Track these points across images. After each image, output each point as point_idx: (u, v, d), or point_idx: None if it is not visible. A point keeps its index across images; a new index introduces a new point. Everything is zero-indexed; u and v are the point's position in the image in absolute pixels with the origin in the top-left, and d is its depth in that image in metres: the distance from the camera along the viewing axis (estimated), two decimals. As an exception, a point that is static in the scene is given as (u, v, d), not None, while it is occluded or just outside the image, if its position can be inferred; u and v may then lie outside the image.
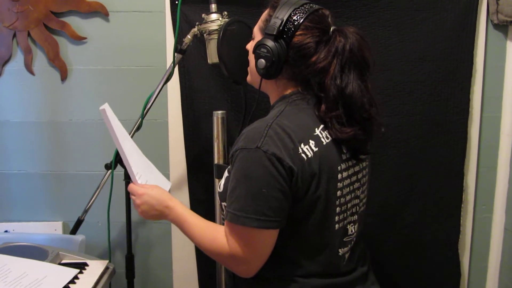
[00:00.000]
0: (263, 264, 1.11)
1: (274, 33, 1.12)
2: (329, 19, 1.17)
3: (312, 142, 1.09)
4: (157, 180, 1.39)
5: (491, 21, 1.92)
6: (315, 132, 1.11)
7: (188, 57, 1.89)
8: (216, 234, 1.14)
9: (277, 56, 1.12)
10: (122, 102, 1.99)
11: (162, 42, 1.97)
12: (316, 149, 1.09)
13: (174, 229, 2.10)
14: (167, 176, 2.05)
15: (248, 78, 1.29)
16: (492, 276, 2.08)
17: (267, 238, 1.09)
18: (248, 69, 1.28)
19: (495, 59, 1.96)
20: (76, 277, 1.47)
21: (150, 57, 1.98)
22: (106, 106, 1.28)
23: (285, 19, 1.12)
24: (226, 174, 1.20)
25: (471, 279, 2.10)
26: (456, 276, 2.05)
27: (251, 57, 1.22)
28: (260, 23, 1.21)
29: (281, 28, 1.12)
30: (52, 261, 1.56)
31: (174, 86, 1.97)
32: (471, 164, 2.01)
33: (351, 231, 1.20)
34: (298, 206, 1.09)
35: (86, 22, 1.96)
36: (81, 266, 1.55)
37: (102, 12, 1.94)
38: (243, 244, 1.08)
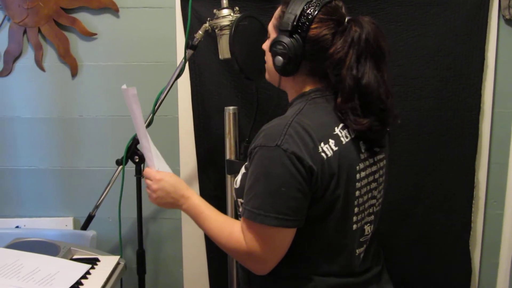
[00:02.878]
0: (278, 262, 1.10)
1: (289, 28, 1.10)
2: (343, 10, 1.15)
3: (332, 141, 1.08)
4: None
5: (503, 16, 1.90)
6: (335, 131, 1.10)
7: (199, 53, 1.88)
8: (233, 230, 1.13)
9: (294, 51, 1.11)
10: (132, 98, 2.00)
11: (172, 38, 1.96)
12: (336, 148, 1.08)
13: (185, 225, 2.11)
14: (177, 172, 2.05)
15: (267, 76, 1.28)
16: (503, 272, 2.07)
17: (285, 237, 1.08)
18: (266, 67, 1.26)
19: (506, 54, 1.93)
20: (88, 273, 1.47)
21: (160, 53, 1.98)
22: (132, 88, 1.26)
23: (298, 13, 1.10)
24: (243, 170, 1.19)
25: (482, 275, 2.09)
26: (467, 272, 2.04)
27: (268, 56, 1.21)
28: (274, 20, 1.20)
29: (295, 23, 1.10)
30: (64, 257, 1.56)
31: (184, 82, 1.97)
32: (482, 160, 1.99)
33: (368, 231, 1.20)
34: (317, 206, 1.08)
35: (96, 18, 1.96)
36: (93, 262, 1.54)
37: (112, 8, 1.94)
38: (261, 242, 1.07)
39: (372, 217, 1.21)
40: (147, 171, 1.30)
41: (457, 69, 1.91)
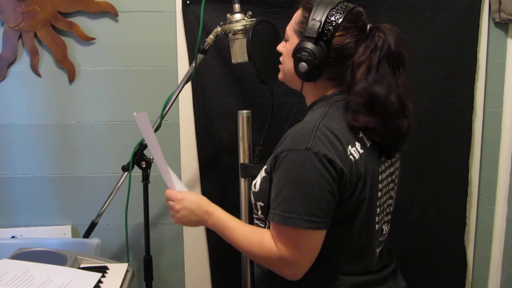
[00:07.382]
0: (310, 266, 1.11)
1: (315, 35, 1.11)
2: (365, 17, 1.17)
3: (358, 144, 1.09)
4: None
5: (493, 19, 1.98)
6: (360, 134, 1.12)
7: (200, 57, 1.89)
8: (262, 238, 1.13)
9: (319, 58, 1.12)
10: (132, 103, 1.99)
11: (173, 42, 1.95)
12: (362, 151, 1.09)
13: (186, 230, 2.10)
14: (178, 176, 2.03)
15: (281, 76, 1.28)
16: (495, 265, 2.15)
17: (316, 239, 1.08)
18: (281, 68, 1.26)
19: (496, 56, 2.02)
20: (100, 281, 1.44)
21: (160, 57, 1.97)
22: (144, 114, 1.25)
23: (323, 20, 1.11)
24: (263, 173, 1.20)
25: (475, 268, 2.16)
26: (463, 267, 2.11)
27: (286, 59, 1.21)
28: (294, 25, 1.20)
29: (320, 30, 1.11)
30: (72, 266, 1.52)
31: (185, 87, 1.94)
32: (475, 158, 2.07)
33: (385, 230, 1.23)
34: (343, 208, 1.09)
35: (94, 22, 1.93)
36: (103, 270, 1.52)
37: (111, 12, 1.91)
38: (292, 246, 1.08)
39: (389, 216, 1.25)
40: (168, 192, 1.29)
41: (451, 70, 1.98)
